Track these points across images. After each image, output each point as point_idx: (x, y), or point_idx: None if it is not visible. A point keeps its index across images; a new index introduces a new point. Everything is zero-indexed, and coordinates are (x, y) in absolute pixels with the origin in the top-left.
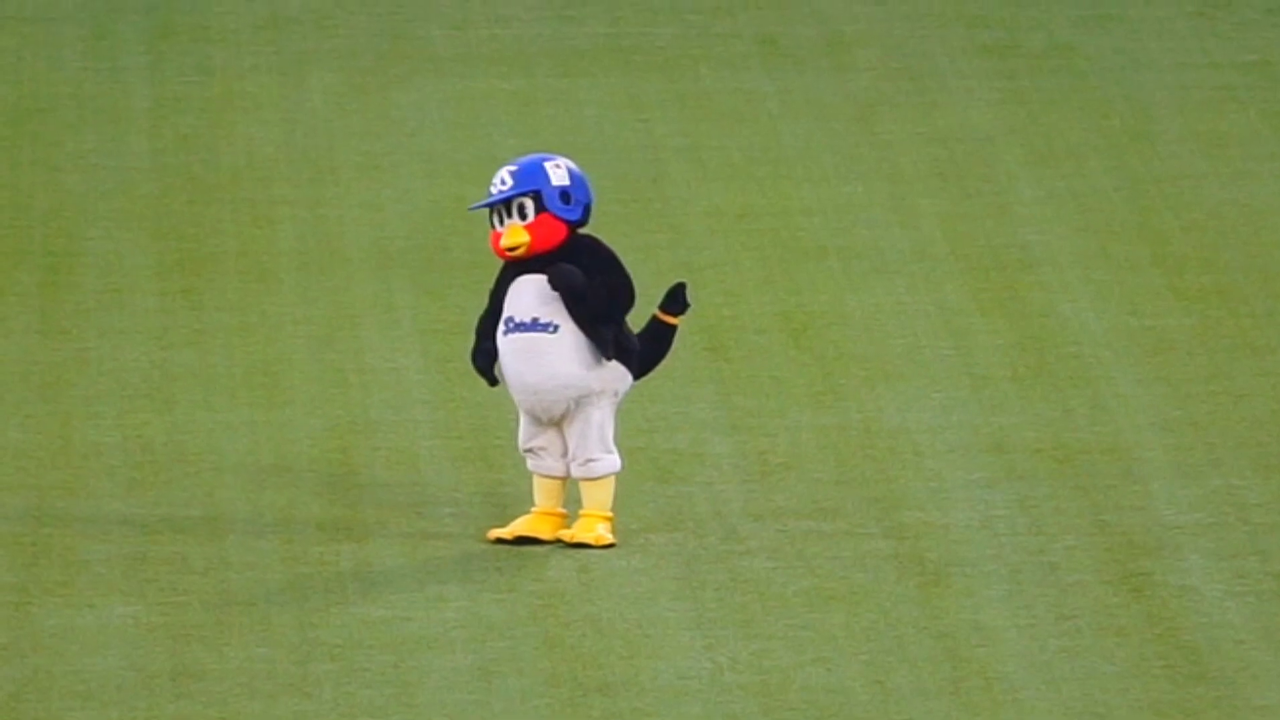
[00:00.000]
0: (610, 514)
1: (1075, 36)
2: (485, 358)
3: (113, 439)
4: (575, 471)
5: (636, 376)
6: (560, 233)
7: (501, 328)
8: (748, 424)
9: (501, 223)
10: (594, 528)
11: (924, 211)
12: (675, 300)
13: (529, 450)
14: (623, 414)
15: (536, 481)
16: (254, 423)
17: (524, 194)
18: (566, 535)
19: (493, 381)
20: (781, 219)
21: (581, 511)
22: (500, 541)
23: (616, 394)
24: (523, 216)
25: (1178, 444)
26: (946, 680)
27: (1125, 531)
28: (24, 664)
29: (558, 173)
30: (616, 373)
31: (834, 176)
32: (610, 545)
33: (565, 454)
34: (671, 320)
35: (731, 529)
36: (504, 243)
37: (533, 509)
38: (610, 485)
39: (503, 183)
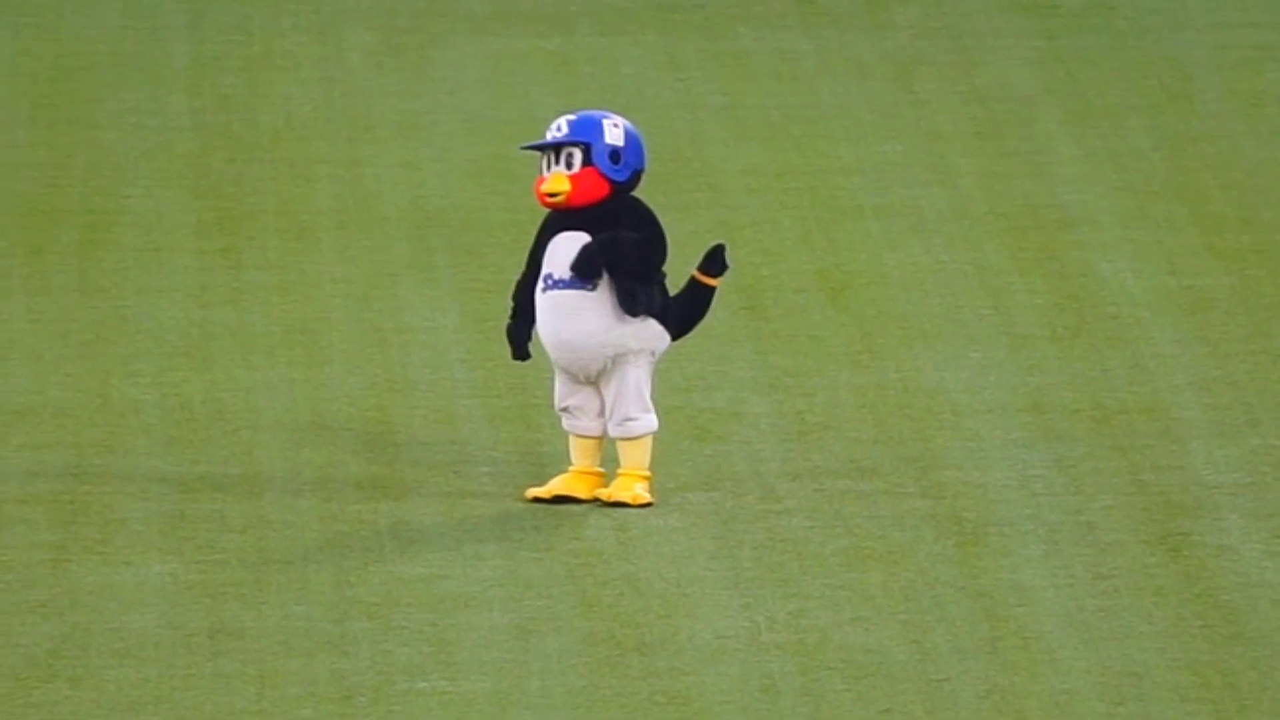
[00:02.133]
0: (648, 473)
1: None
2: (521, 331)
3: (151, 397)
4: (612, 431)
5: (674, 337)
6: (602, 190)
7: (540, 284)
8: (785, 383)
9: (549, 169)
10: (631, 487)
11: (962, 170)
12: (714, 261)
13: (564, 409)
14: (661, 373)
15: (573, 441)
16: (292, 381)
17: (574, 143)
18: (604, 494)
19: (522, 356)
20: (820, 178)
21: (619, 471)
22: (538, 500)
23: (654, 353)
24: (569, 166)
25: (1216, 403)
26: (984, 640)
27: (1163, 491)
28: (62, 621)
29: (614, 131)
30: (654, 331)
31: (872, 135)
32: (648, 504)
33: (601, 413)
34: (710, 281)
35: (769, 488)
36: (544, 188)
37: (570, 468)
38: (648, 445)
39: (558, 129)
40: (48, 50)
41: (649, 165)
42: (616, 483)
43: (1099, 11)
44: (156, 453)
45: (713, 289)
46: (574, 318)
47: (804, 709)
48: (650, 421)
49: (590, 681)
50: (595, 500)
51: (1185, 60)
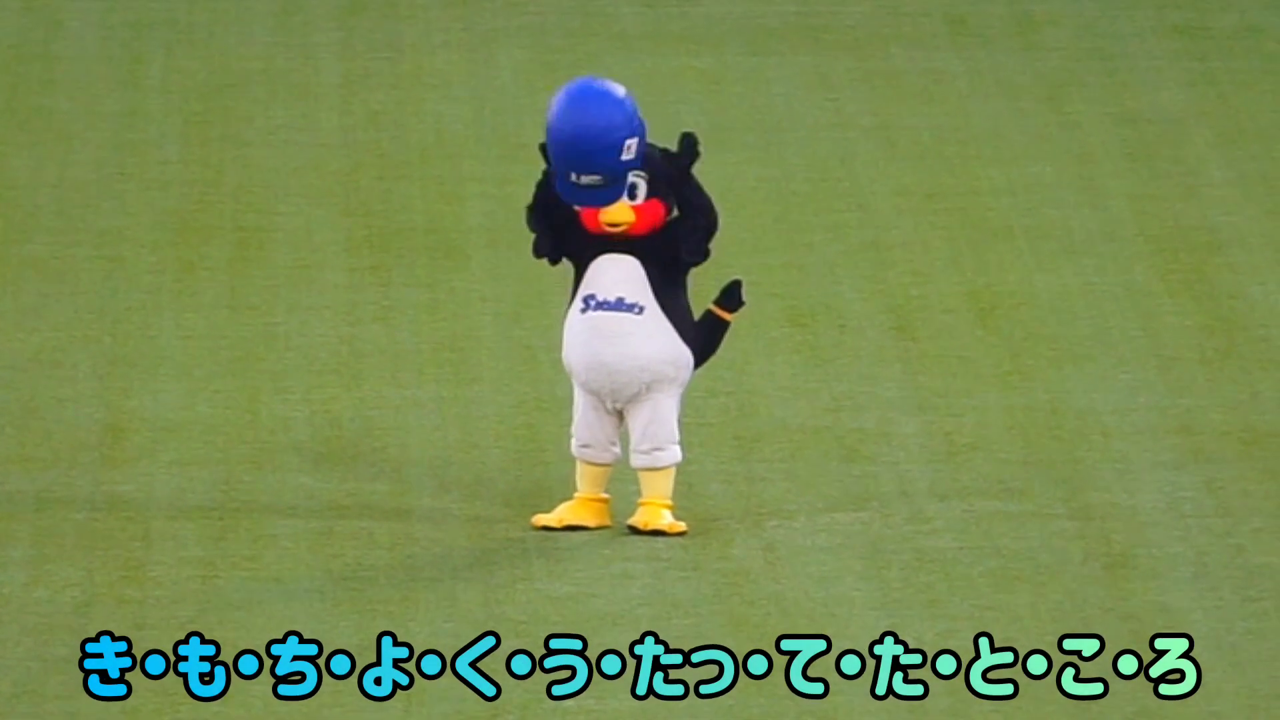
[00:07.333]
0: (670, 502)
1: (1266, 18)
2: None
3: (300, 414)
4: (639, 461)
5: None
6: (659, 218)
7: (579, 305)
8: (934, 404)
9: None
10: (660, 515)
11: (1113, 192)
12: (730, 297)
13: (585, 446)
14: (809, 393)
15: (583, 469)
16: (441, 399)
17: (640, 173)
18: (640, 524)
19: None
20: (970, 199)
21: (641, 500)
22: (547, 529)
23: (683, 384)
24: (632, 196)
25: None
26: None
27: None
28: (210, 636)
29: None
30: (687, 360)
31: (1022, 156)
32: (683, 533)
33: (613, 443)
34: (726, 316)
35: (917, 509)
36: (606, 218)
37: (576, 495)
38: (671, 475)
39: None
40: (199, 67)
41: (799, 185)
42: (644, 512)
43: (1251, 34)
44: (305, 470)
45: (727, 323)
46: (618, 340)
47: None
48: (676, 453)
49: (738, 701)
50: (632, 529)
51: None
